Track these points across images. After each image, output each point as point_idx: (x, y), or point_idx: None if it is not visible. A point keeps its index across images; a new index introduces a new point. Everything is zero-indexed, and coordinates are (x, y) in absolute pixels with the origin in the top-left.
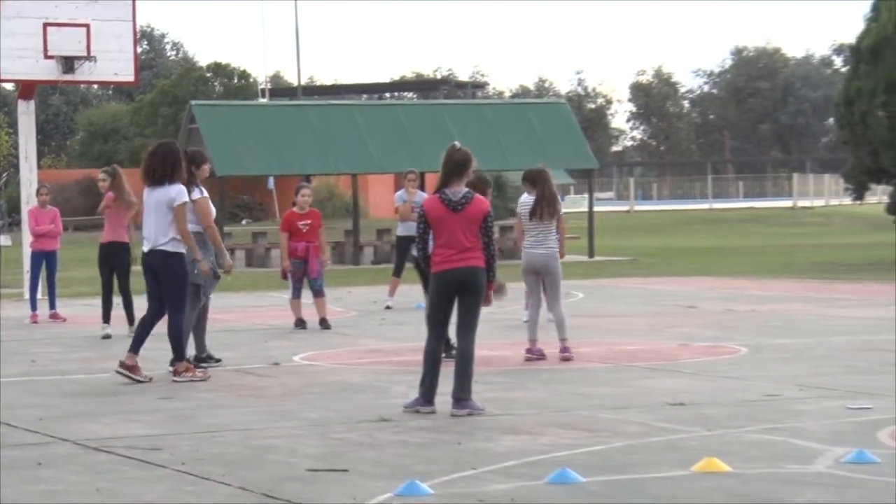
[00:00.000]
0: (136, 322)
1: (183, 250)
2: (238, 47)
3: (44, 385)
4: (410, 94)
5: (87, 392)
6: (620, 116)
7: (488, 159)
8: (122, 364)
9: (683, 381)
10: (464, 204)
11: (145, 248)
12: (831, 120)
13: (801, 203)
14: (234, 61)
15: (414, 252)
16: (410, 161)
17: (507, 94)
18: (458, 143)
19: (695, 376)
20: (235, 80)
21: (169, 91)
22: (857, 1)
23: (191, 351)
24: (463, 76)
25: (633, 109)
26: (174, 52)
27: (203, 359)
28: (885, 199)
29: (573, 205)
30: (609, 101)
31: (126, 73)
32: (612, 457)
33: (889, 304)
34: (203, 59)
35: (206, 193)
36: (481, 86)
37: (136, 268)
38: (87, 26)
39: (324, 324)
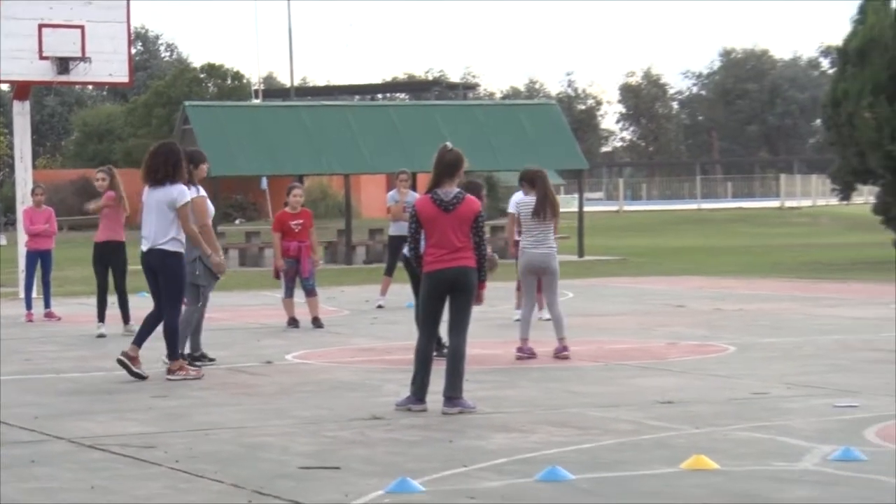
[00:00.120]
0: (131, 321)
1: (182, 250)
2: (231, 49)
3: (39, 383)
4: (402, 95)
5: (82, 390)
6: (610, 117)
7: (479, 160)
8: (124, 353)
9: (672, 379)
10: (455, 204)
11: (144, 248)
12: (818, 121)
13: (789, 203)
14: (227, 62)
15: (406, 251)
16: (402, 161)
17: (498, 95)
18: (449, 144)
19: (684, 375)
20: (229, 81)
21: (163, 92)
22: (843, 3)
23: (186, 349)
24: (454, 77)
25: (623, 111)
26: (168, 54)
27: (197, 357)
28: (872, 199)
29: (563, 205)
30: (599, 103)
31: (120, 74)
32: (602, 454)
33: (875, 304)
34: (197, 61)
35: (203, 192)
36: (472, 87)
37: (135, 267)
38: (82, 27)
39: (316, 322)
